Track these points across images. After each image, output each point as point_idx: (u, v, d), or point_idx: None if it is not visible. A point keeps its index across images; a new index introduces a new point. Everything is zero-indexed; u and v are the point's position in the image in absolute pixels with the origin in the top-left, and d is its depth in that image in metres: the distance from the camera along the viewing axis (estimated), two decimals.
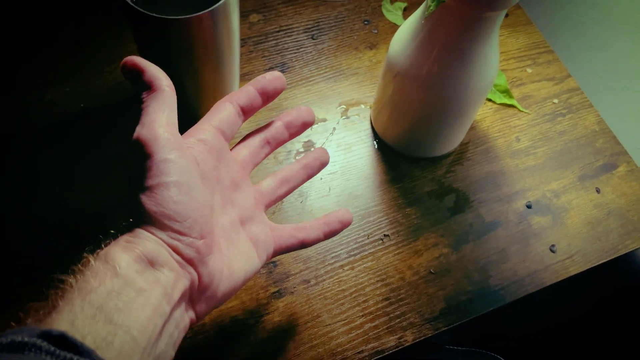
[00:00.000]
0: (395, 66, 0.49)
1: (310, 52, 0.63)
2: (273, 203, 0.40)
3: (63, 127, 0.54)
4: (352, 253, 0.52)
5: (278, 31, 0.64)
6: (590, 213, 0.56)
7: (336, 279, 0.50)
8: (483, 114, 0.60)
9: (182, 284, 0.30)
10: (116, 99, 0.57)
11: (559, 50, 0.66)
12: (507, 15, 0.68)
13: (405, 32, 0.48)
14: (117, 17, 0.60)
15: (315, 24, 0.65)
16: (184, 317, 0.31)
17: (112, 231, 0.31)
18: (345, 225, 0.41)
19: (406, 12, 0.66)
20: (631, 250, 0.54)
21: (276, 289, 0.49)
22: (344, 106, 0.60)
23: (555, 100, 0.62)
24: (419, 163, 0.57)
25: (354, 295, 0.50)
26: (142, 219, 0.30)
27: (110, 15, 0.61)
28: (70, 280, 0.27)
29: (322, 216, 0.40)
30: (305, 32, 0.64)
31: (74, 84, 0.57)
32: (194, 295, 0.32)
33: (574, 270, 0.53)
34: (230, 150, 0.38)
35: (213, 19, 0.43)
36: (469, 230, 0.54)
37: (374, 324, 0.49)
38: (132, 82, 0.33)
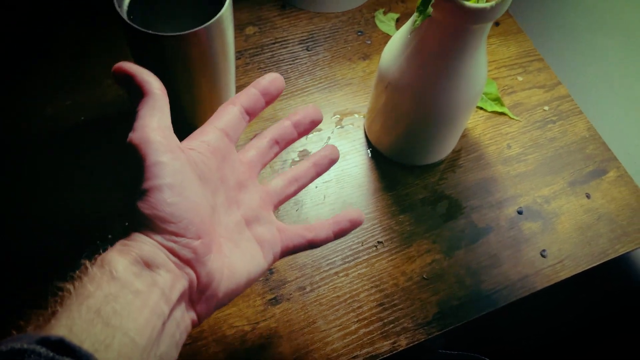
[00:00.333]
0: (387, 77, 0.51)
1: (305, 63, 0.64)
2: (282, 202, 0.40)
3: (64, 139, 0.56)
4: (346, 260, 0.53)
5: (274, 43, 0.65)
6: (581, 218, 0.57)
7: (331, 285, 0.51)
8: (475, 122, 0.62)
9: (180, 285, 0.30)
10: (116, 111, 0.58)
11: (550, 58, 0.67)
12: (497, 24, 0.69)
13: (396, 44, 0.50)
14: (115, 31, 0.61)
15: (310, 36, 0.66)
16: (185, 318, 0.31)
17: (109, 236, 0.32)
18: (355, 224, 0.40)
19: (399, 23, 0.68)
20: (620, 254, 0.55)
21: (272, 296, 0.50)
22: (339, 116, 0.61)
23: (546, 108, 0.63)
24: (412, 171, 0.58)
25: (348, 301, 0.51)
26: (138, 222, 0.30)
27: (108, 29, 0.62)
28: (69, 286, 0.28)
29: (332, 216, 0.40)
30: (300, 43, 0.65)
31: (75, 97, 0.58)
32: (194, 295, 0.32)
33: (564, 274, 0.54)
34: (238, 152, 0.38)
35: (208, 34, 0.44)
36: (462, 236, 0.55)
37: (368, 330, 0.50)
38: (124, 88, 0.33)
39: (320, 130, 0.60)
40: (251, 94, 0.37)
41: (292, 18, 0.67)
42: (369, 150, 0.59)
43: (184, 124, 0.54)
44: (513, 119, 0.62)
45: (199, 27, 0.43)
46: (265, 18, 0.67)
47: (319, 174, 0.41)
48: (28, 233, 0.51)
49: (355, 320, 0.50)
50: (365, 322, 0.50)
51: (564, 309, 0.67)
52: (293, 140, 0.40)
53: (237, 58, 0.63)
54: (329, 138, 0.59)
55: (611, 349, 0.65)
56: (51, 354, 0.23)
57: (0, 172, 0.54)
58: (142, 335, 0.27)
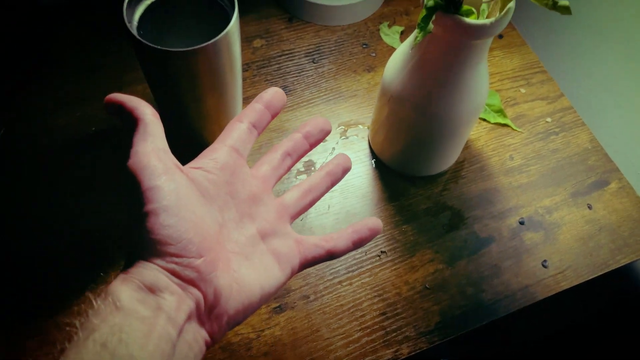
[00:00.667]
0: (389, 90, 0.52)
1: (311, 75, 0.65)
2: (299, 214, 0.40)
3: (74, 147, 0.57)
4: (350, 269, 0.54)
5: (280, 55, 0.66)
6: (582, 229, 0.58)
7: (335, 294, 0.52)
8: (478, 133, 0.63)
9: (186, 306, 0.30)
10: None
11: (553, 70, 0.68)
12: (501, 37, 0.70)
13: (398, 57, 0.51)
14: (126, 46, 0.63)
15: (316, 48, 0.67)
16: (198, 339, 0.31)
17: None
18: (374, 233, 0.39)
19: (403, 36, 0.69)
20: (622, 265, 0.56)
21: (277, 304, 0.51)
22: (343, 127, 0.62)
23: (549, 119, 0.64)
24: (415, 181, 0.59)
25: (351, 310, 0.52)
26: (138, 247, 0.31)
27: (119, 44, 0.64)
28: (75, 322, 0.28)
29: (350, 225, 0.39)
30: (307, 56, 0.67)
31: (84, 109, 0.60)
32: (203, 314, 0.31)
33: (565, 285, 0.54)
34: (252, 167, 0.39)
35: (215, 49, 0.45)
36: (464, 246, 0.56)
37: (370, 338, 0.51)
38: (116, 117, 0.34)
39: (325, 141, 0.61)
40: (256, 109, 0.38)
41: (299, 31, 0.69)
42: (373, 161, 0.60)
43: (192, 136, 0.56)
44: (516, 130, 0.63)
45: (206, 43, 0.44)
46: (272, 31, 0.68)
47: (333, 183, 0.41)
48: (28, 233, 0.53)
49: (358, 328, 0.51)
50: (368, 330, 0.51)
51: (566, 314, 0.67)
52: (305, 152, 0.40)
53: (245, 70, 0.64)
54: (333, 149, 0.60)
55: (611, 354, 0.65)
56: None
57: (14, 180, 0.55)
58: None
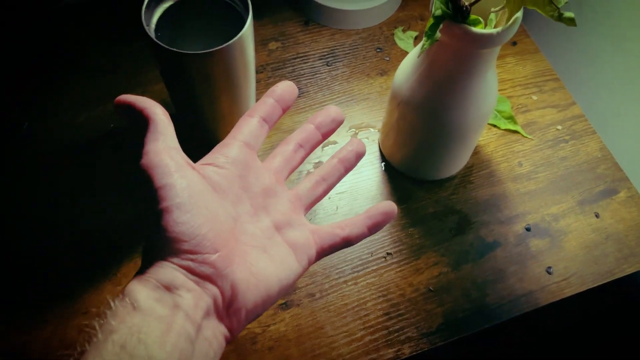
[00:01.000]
0: (399, 95, 0.53)
1: (325, 78, 0.67)
2: (313, 204, 0.39)
3: (93, 145, 0.60)
4: (356, 269, 0.55)
5: (295, 58, 0.68)
6: (588, 237, 0.58)
7: (340, 293, 0.54)
8: (487, 139, 0.63)
9: (203, 303, 0.30)
10: None
11: (566, 78, 0.69)
12: (515, 44, 0.70)
13: (408, 63, 0.52)
14: (144, 46, 0.65)
15: (331, 52, 0.69)
16: (217, 335, 0.31)
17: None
18: (389, 217, 0.39)
19: (417, 40, 0.70)
20: (627, 274, 0.56)
21: (283, 301, 0.53)
22: (354, 129, 0.63)
23: (559, 127, 0.65)
24: (423, 185, 0.60)
25: (356, 309, 0.53)
26: (153, 247, 0.31)
27: (137, 44, 0.66)
28: (95, 324, 0.28)
29: (365, 210, 0.39)
30: (321, 59, 0.68)
31: (106, 106, 0.62)
32: (221, 310, 0.31)
33: (569, 292, 0.55)
34: (265, 160, 0.39)
35: (229, 52, 0.47)
36: (469, 250, 0.56)
37: (373, 337, 0.52)
38: (127, 118, 0.34)
39: (335, 142, 0.62)
40: (268, 103, 0.38)
41: (314, 34, 0.70)
42: (382, 164, 0.61)
43: (207, 136, 0.57)
44: (526, 137, 0.64)
45: (221, 46, 0.45)
46: (288, 34, 0.70)
47: (347, 170, 0.40)
48: (28, 233, 0.55)
49: (362, 327, 0.52)
50: (371, 329, 0.52)
51: (570, 318, 0.68)
52: (318, 143, 0.40)
53: (260, 72, 0.66)
54: None
55: (612, 356, 0.65)
56: None
57: (35, 176, 0.58)
58: None
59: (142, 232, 0.32)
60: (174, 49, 0.45)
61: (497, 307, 0.54)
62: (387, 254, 0.56)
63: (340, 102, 0.65)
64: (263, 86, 0.65)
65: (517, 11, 0.43)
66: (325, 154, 0.61)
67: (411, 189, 0.60)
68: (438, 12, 0.42)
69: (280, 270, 0.35)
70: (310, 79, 0.66)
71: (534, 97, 0.67)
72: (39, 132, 0.60)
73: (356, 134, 0.63)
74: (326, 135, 0.40)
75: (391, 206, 0.39)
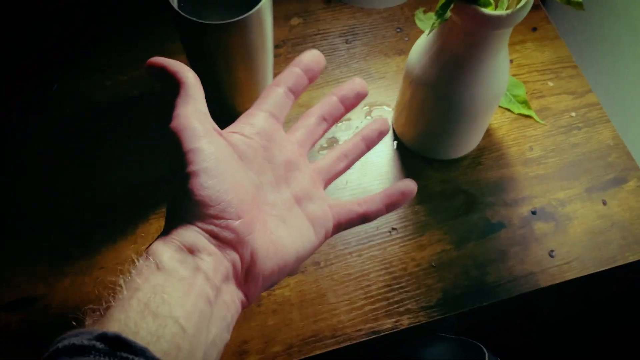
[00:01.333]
0: (412, 74, 0.54)
1: (343, 55, 0.68)
2: (333, 179, 0.40)
3: (119, 106, 0.62)
4: (361, 242, 0.57)
5: (315, 34, 0.69)
6: (594, 223, 0.59)
7: (344, 263, 0.55)
8: (500, 122, 0.64)
9: (223, 267, 0.31)
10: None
11: (585, 66, 0.69)
12: (535, 29, 0.70)
13: (422, 43, 0.53)
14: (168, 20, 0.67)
15: (351, 30, 0.70)
16: (235, 299, 0.32)
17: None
18: (407, 196, 0.39)
19: None
20: (630, 262, 0.57)
21: None
22: (368, 107, 0.65)
23: (573, 114, 0.65)
24: (433, 164, 0.61)
25: (358, 279, 0.55)
26: (178, 210, 0.32)
27: (163, 16, 0.68)
28: (120, 281, 0.29)
29: (384, 189, 0.39)
30: (341, 36, 0.69)
31: (132, 73, 0.65)
32: (239, 276, 0.32)
33: (570, 275, 0.56)
34: (287, 132, 0.39)
35: (247, 24, 0.49)
36: (473, 229, 0.58)
37: (374, 307, 0.54)
38: (158, 80, 0.34)
39: (349, 119, 0.63)
40: (294, 73, 0.38)
41: (335, 12, 0.71)
42: (394, 142, 0.63)
43: (224, 106, 0.59)
44: (538, 122, 0.64)
45: (239, 18, 0.47)
46: (310, 10, 0.71)
47: (369, 148, 0.41)
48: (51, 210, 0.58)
49: (363, 297, 0.54)
50: (372, 300, 0.54)
51: (569, 304, 0.69)
52: (341, 116, 0.40)
53: (279, 47, 0.67)
54: (357, 127, 0.63)
55: (608, 345, 0.66)
56: (110, 350, 0.25)
57: (64, 134, 0.61)
58: (189, 321, 0.28)
59: (168, 194, 0.33)
60: (194, 19, 0.47)
61: (497, 286, 0.55)
62: (392, 229, 0.57)
63: None
64: (283, 61, 0.67)
65: None
66: (339, 130, 0.63)
67: (421, 168, 0.61)
68: None
69: (298, 240, 0.35)
70: (329, 55, 0.68)
71: (550, 84, 0.67)
72: (68, 94, 0.63)
73: (370, 111, 0.64)
74: (349, 108, 0.40)
75: (410, 185, 0.39)
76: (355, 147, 0.40)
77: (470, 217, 0.58)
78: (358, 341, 0.52)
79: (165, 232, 0.31)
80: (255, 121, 0.36)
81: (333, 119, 0.40)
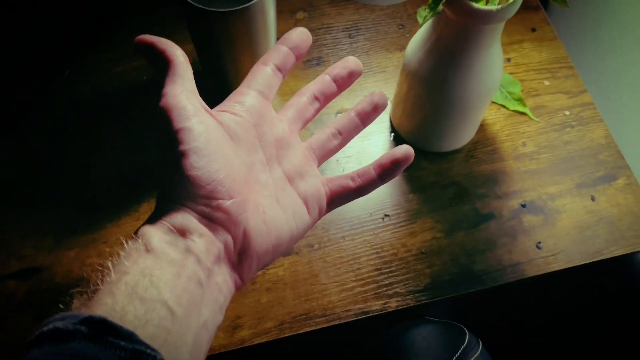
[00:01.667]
0: (408, 67, 0.56)
1: (346, 49, 0.70)
2: (327, 157, 0.39)
3: (127, 93, 0.65)
4: (354, 227, 0.59)
5: (320, 28, 0.71)
6: (582, 218, 0.60)
7: (337, 246, 0.58)
8: (495, 118, 0.66)
9: (215, 248, 0.30)
10: None
11: (581, 67, 0.70)
12: (534, 30, 0.72)
13: (418, 37, 0.55)
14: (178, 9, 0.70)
15: (354, 25, 0.72)
16: (228, 281, 0.31)
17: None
18: (398, 162, 0.37)
19: None
20: (615, 256, 0.58)
21: None
22: None
23: (567, 112, 0.67)
24: (428, 156, 0.63)
25: (350, 262, 0.57)
26: (168, 190, 0.31)
27: (172, 7, 0.71)
28: (108, 263, 0.28)
29: (377, 159, 0.38)
30: (344, 31, 0.72)
31: (141, 59, 0.67)
32: (232, 256, 0.32)
33: (555, 267, 0.58)
34: (279, 110, 0.38)
35: (250, 13, 0.51)
36: (464, 219, 0.60)
37: (363, 289, 0.56)
38: (146, 58, 0.34)
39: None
40: (281, 50, 0.37)
41: (340, 7, 0.73)
42: (391, 134, 0.65)
43: (227, 92, 0.62)
44: (533, 119, 0.66)
45: (242, 6, 0.50)
46: (315, 5, 0.73)
47: (365, 123, 0.40)
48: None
49: (354, 279, 0.56)
50: (362, 282, 0.56)
51: (558, 301, 0.70)
52: (334, 95, 0.39)
53: None
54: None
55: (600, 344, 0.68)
56: (94, 334, 0.24)
57: (72, 118, 0.64)
58: (179, 304, 0.27)
59: (158, 175, 0.33)
60: (199, 6, 0.49)
61: (484, 274, 0.57)
62: (385, 215, 0.60)
63: None
64: None
65: None
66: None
67: (416, 159, 0.62)
68: None
69: (292, 219, 0.35)
70: (332, 48, 0.70)
71: (546, 83, 0.69)
72: (79, 79, 0.66)
73: None
74: (342, 87, 0.39)
75: (405, 152, 0.37)
76: (349, 123, 0.39)
77: (461, 208, 0.60)
78: (347, 321, 0.54)
79: (155, 213, 0.31)
80: (244, 99, 0.36)
81: (325, 98, 0.39)
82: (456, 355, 0.52)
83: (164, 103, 0.32)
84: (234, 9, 0.50)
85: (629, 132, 0.69)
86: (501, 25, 0.49)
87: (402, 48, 0.70)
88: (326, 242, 0.58)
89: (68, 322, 0.24)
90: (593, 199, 0.61)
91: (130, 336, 0.24)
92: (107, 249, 0.56)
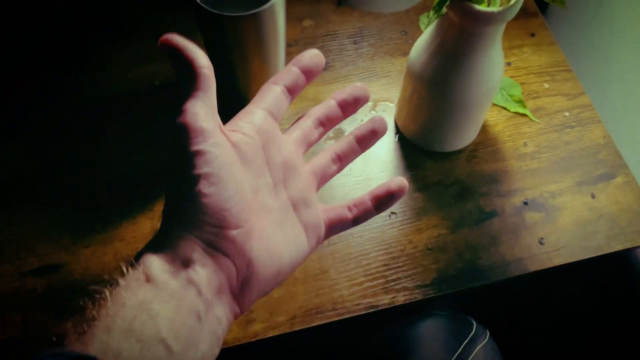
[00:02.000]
0: (413, 69, 0.58)
1: (351, 55, 0.73)
2: (325, 181, 0.39)
3: (139, 100, 0.67)
4: (362, 224, 0.60)
5: (325, 35, 0.74)
6: (582, 215, 0.62)
7: (346, 243, 0.59)
8: (497, 120, 0.68)
9: (217, 280, 0.30)
10: None
11: (579, 71, 0.73)
12: (533, 35, 0.75)
13: (422, 41, 0.57)
14: (188, 13, 0.72)
15: (359, 31, 0.75)
16: (227, 312, 0.31)
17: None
18: (393, 194, 0.38)
19: None
20: (615, 251, 0.60)
21: None
22: (373, 102, 0.69)
23: (567, 114, 0.69)
24: (432, 156, 0.65)
25: (358, 258, 0.59)
26: (174, 215, 0.30)
27: (185, 9, 0.73)
28: (106, 291, 0.27)
29: (373, 189, 0.39)
30: (349, 37, 0.74)
31: (153, 65, 0.70)
32: (234, 287, 0.31)
33: (558, 261, 0.59)
34: (284, 132, 0.38)
35: (260, 18, 0.53)
36: (468, 216, 0.62)
37: (372, 284, 0.57)
38: (171, 60, 0.32)
39: (355, 113, 0.68)
40: (293, 72, 0.36)
41: (345, 15, 0.76)
42: (396, 136, 0.67)
43: (237, 95, 0.64)
44: (533, 120, 0.68)
45: (253, 11, 0.52)
46: (321, 13, 0.76)
47: (363, 149, 0.40)
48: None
49: (362, 274, 0.58)
50: (371, 277, 0.58)
51: (564, 300, 0.72)
52: (338, 120, 0.39)
53: (292, 45, 0.72)
54: (362, 120, 0.67)
55: (603, 341, 0.69)
56: None
57: (85, 120, 0.66)
58: (177, 340, 0.27)
59: (165, 193, 0.32)
60: (211, 10, 0.52)
61: (488, 268, 0.59)
62: (392, 213, 0.61)
63: (363, 77, 0.71)
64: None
65: None
66: (344, 122, 0.67)
67: (420, 159, 0.65)
68: None
69: (293, 248, 0.35)
70: (337, 54, 0.72)
71: (546, 85, 0.71)
72: (91, 82, 0.68)
73: (375, 106, 0.69)
74: (347, 113, 0.39)
75: (400, 184, 0.38)
76: (348, 147, 0.39)
77: (465, 205, 0.62)
78: (357, 314, 0.56)
79: (160, 236, 0.30)
80: (254, 119, 0.35)
81: (330, 123, 0.39)
82: (464, 344, 0.54)
83: (184, 120, 0.30)
84: (245, 13, 0.52)
85: (626, 132, 0.71)
86: (502, 27, 0.51)
87: (405, 53, 0.73)
88: (335, 239, 0.60)
89: None
90: (593, 196, 0.63)
91: None
92: (121, 247, 0.58)
